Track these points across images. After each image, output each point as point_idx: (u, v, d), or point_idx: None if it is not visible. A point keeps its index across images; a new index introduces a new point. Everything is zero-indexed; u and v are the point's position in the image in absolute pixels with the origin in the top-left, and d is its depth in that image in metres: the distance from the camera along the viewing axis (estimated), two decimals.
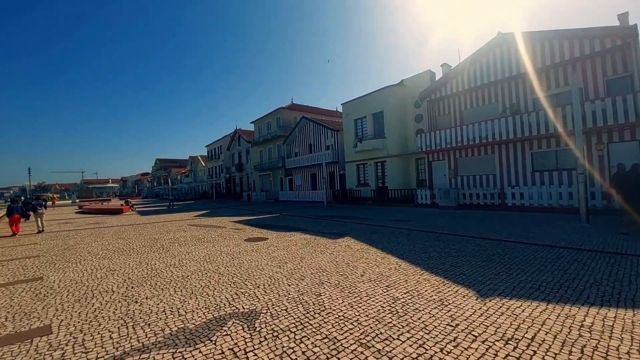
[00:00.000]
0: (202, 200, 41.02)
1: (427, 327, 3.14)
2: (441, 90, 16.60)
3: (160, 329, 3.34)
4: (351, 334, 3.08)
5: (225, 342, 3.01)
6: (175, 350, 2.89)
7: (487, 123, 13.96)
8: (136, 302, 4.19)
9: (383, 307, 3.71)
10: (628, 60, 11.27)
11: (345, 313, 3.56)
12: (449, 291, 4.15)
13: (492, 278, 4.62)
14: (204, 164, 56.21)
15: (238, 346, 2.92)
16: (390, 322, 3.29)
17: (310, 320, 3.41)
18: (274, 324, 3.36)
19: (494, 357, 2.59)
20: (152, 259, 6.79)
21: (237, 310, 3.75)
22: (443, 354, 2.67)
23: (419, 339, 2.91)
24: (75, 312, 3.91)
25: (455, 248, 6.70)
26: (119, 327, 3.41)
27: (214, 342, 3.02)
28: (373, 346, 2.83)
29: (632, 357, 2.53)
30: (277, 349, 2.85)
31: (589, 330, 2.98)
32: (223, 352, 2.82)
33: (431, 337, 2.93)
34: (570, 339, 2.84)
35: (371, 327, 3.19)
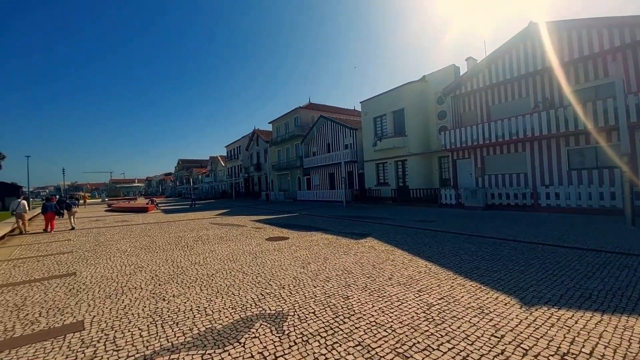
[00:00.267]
0: (222, 200, 41.85)
1: (469, 338, 2.90)
2: (466, 85, 15.94)
3: (188, 328, 3.30)
4: (386, 342, 2.89)
5: (254, 345, 2.91)
6: (204, 351, 2.82)
7: (518, 119, 13.25)
8: (164, 299, 4.19)
9: (417, 313, 3.49)
10: None
11: (377, 319, 3.38)
12: (487, 298, 3.87)
13: (535, 284, 4.28)
14: (223, 164, 57.37)
15: (267, 350, 2.81)
16: (428, 331, 3.07)
17: (340, 325, 3.26)
18: (303, 327, 3.23)
19: None
20: (177, 257, 6.88)
21: (263, 312, 3.65)
22: None
23: (461, 351, 2.68)
24: (107, 308, 3.96)
25: (488, 251, 6.34)
26: (148, 325, 3.40)
27: (242, 344, 2.92)
28: (411, 357, 2.63)
29: None
30: (308, 355, 2.72)
31: None
32: (252, 356, 2.72)
33: (475, 349, 2.70)
34: (631, 353, 2.53)
35: (407, 336, 2.99)
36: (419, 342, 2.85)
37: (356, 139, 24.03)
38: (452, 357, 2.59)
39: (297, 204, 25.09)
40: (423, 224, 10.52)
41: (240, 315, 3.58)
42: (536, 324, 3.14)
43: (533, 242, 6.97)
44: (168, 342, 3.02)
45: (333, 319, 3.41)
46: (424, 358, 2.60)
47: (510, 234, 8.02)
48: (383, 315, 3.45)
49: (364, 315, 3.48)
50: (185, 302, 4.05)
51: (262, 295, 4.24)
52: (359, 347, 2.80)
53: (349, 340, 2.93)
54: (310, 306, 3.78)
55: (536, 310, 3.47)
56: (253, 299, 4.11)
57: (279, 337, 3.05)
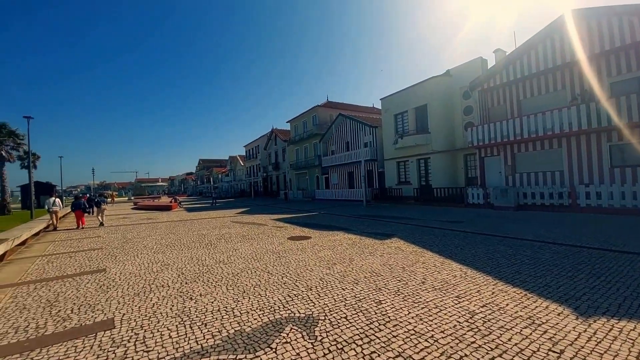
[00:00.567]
0: (241, 198, 42.47)
1: (523, 352, 2.60)
2: (495, 79, 15.16)
3: (217, 330, 3.19)
4: (429, 353, 2.64)
5: (286, 350, 2.75)
6: (234, 356, 2.69)
7: (553, 113, 12.43)
8: (191, 299, 4.13)
9: (459, 322, 3.21)
10: None
11: (415, 327, 3.13)
12: (536, 306, 3.52)
13: (588, 292, 3.87)
14: (242, 164, 58.26)
15: (301, 357, 2.64)
16: (474, 342, 2.79)
17: (376, 332, 3.04)
18: (336, 333, 3.04)
19: None
20: (201, 255, 6.88)
21: (293, 315, 3.49)
22: None
23: None
24: (136, 306, 3.94)
25: (527, 254, 5.89)
26: (177, 325, 3.33)
27: (274, 349, 2.77)
28: None
29: None
30: None
31: None
32: None
33: None
34: None
35: (452, 347, 2.72)
36: (466, 356, 2.58)
37: (376, 136, 23.56)
38: None
39: (315, 203, 24.96)
40: (450, 224, 10.07)
41: (269, 318, 3.43)
42: (597, 337, 2.80)
43: (576, 246, 6.44)
44: (197, 344, 2.92)
45: (367, 325, 3.20)
46: None
47: (549, 237, 7.48)
48: (422, 323, 3.20)
49: (401, 322, 3.24)
50: (212, 302, 3.97)
51: (290, 297, 4.08)
52: (400, 359, 2.57)
53: (388, 350, 2.70)
54: (342, 310, 3.58)
55: (594, 321, 3.11)
56: (280, 300, 3.96)
57: (311, 343, 2.87)
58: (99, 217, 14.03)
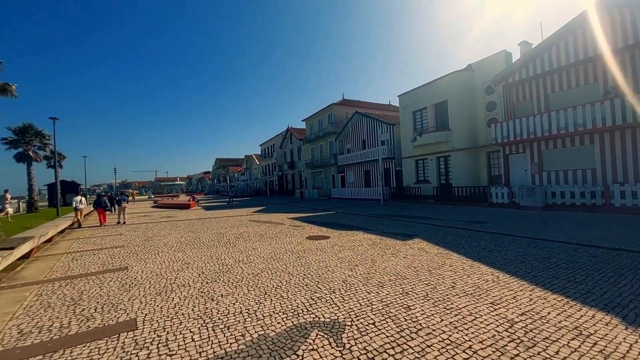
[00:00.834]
0: (257, 197, 42.82)
1: None
2: (521, 73, 14.45)
3: (240, 333, 3.08)
4: None
5: (314, 359, 2.59)
6: None
7: (585, 108, 11.71)
8: (212, 299, 4.06)
9: (498, 331, 2.96)
10: None
11: (450, 336, 2.91)
12: (581, 315, 3.22)
13: (634, 300, 3.54)
14: (258, 163, 58.80)
15: None
16: (518, 355, 2.55)
17: (408, 341, 2.84)
18: (365, 341, 2.86)
19: None
20: (221, 254, 6.85)
21: (317, 319, 3.34)
22: None
23: None
24: (158, 306, 3.90)
25: (562, 258, 5.51)
26: (199, 328, 3.25)
27: (300, 357, 2.63)
28: None
29: None
30: None
31: None
32: None
33: None
34: None
35: None
36: None
37: (393, 134, 23.10)
38: None
39: (331, 201, 24.78)
40: (474, 224, 9.66)
41: (292, 322, 3.30)
42: None
43: (615, 249, 5.98)
44: (221, 348, 2.81)
45: (398, 333, 3.00)
46: None
47: (583, 239, 7.00)
48: (457, 332, 2.97)
49: (434, 330, 3.03)
50: (234, 304, 3.87)
51: (313, 299, 3.94)
52: None
53: None
54: (369, 316, 3.40)
55: None
56: (304, 303, 3.82)
57: (339, 351, 2.71)
58: (120, 215, 14.42)
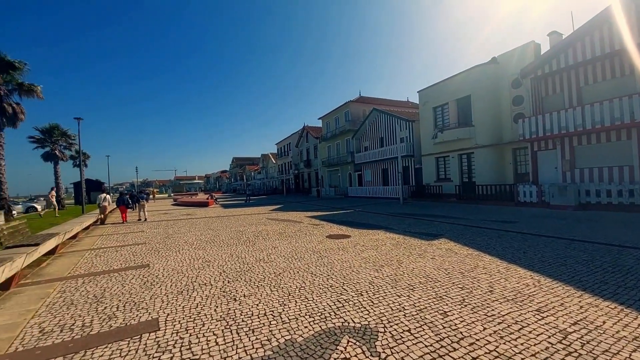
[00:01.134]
0: (273, 195, 43.01)
1: None
2: (551, 64, 13.63)
3: (266, 338, 2.90)
4: None
5: None
6: None
7: (622, 100, 10.87)
8: (235, 299, 3.91)
9: (551, 343, 2.64)
10: None
11: (497, 347, 2.61)
12: (639, 324, 2.85)
13: None
14: (274, 161, 59.11)
15: None
16: None
17: (450, 352, 2.57)
18: (402, 351, 2.61)
19: None
20: (241, 252, 6.75)
21: (347, 324, 3.12)
22: None
23: None
24: (179, 305, 3.79)
25: (606, 261, 5.03)
26: (222, 330, 3.09)
27: None
28: None
29: None
30: None
31: None
32: None
33: None
34: None
35: None
36: None
37: (412, 131, 22.50)
38: None
39: (348, 200, 24.46)
40: (502, 224, 9.14)
41: (320, 327, 3.09)
42: None
43: None
44: (247, 354, 2.64)
45: (437, 342, 2.73)
46: None
47: (626, 240, 6.44)
48: (504, 343, 2.67)
49: (477, 340, 2.74)
50: (257, 305, 3.71)
51: (339, 302, 3.71)
52: None
53: None
54: (402, 322, 3.14)
55: None
56: (330, 306, 3.60)
57: None
58: (140, 213, 14.77)
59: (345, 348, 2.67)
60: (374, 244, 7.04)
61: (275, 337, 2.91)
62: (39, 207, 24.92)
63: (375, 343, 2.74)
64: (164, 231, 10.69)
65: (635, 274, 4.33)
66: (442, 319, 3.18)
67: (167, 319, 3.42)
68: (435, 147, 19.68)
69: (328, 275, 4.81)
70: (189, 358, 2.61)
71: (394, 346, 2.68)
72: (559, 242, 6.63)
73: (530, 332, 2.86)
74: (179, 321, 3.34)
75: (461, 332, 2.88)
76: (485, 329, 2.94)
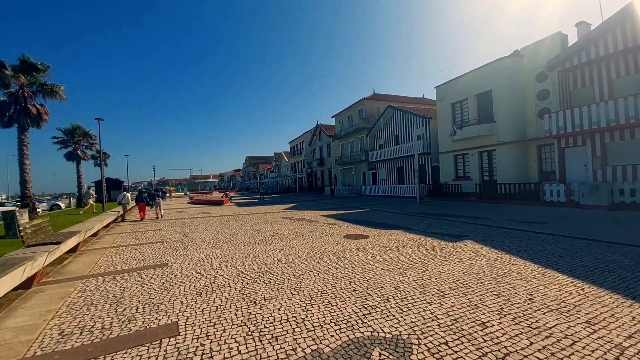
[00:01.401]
0: (286, 194, 43.06)
1: None
2: (580, 56, 12.88)
3: (290, 347, 2.72)
4: None
5: None
6: None
7: None
8: (255, 303, 3.76)
9: None
10: None
11: None
12: None
13: None
14: (287, 160, 59.25)
15: None
16: None
17: None
18: None
19: None
20: (258, 252, 6.62)
21: (377, 335, 2.89)
22: None
23: None
24: (199, 308, 3.67)
25: None
26: (244, 337, 2.93)
27: None
28: None
29: None
30: None
31: None
32: None
33: None
34: None
35: None
36: None
37: (429, 128, 21.92)
38: None
39: (362, 199, 24.12)
40: (529, 225, 8.67)
41: (348, 336, 2.88)
42: None
43: None
44: None
45: (480, 358, 2.47)
46: None
47: None
48: None
49: (526, 357, 2.46)
50: (279, 309, 3.54)
51: (365, 308, 3.49)
52: None
53: None
54: (437, 332, 2.89)
55: None
56: (356, 312, 3.39)
57: None
58: (156, 211, 15.01)
59: None
60: (394, 245, 6.77)
61: (300, 347, 2.72)
62: (62, 205, 25.75)
63: (411, 357, 2.51)
64: (180, 229, 10.74)
65: None
66: (481, 330, 2.91)
67: (187, 322, 3.29)
68: (454, 145, 19.08)
69: (350, 279, 4.59)
70: None
71: None
72: (596, 244, 6.18)
73: (584, 347, 2.56)
74: (199, 325, 3.21)
75: (505, 347, 2.61)
76: (532, 343, 2.66)
